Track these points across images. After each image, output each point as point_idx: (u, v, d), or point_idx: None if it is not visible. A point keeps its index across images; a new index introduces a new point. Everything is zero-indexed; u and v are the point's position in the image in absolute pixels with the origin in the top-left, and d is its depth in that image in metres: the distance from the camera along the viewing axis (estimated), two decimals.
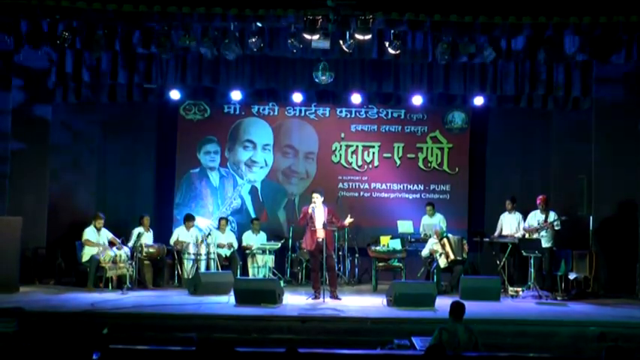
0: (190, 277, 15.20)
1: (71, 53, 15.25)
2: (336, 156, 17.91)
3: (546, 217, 15.10)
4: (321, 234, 13.81)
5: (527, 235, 15.24)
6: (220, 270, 15.59)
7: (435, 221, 16.24)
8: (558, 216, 15.14)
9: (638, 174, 15.15)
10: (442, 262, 15.14)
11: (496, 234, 16.03)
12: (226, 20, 13.58)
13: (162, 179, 17.95)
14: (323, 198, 14.16)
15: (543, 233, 15.07)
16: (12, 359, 7.20)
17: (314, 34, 13.10)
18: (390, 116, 17.89)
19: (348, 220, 14.19)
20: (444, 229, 15.79)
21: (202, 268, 15.58)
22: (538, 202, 15.36)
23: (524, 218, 15.74)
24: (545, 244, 15.03)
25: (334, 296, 13.82)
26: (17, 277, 14.33)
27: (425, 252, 15.62)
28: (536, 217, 15.30)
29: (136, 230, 15.49)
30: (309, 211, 13.94)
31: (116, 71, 15.48)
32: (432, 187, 17.81)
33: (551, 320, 12.28)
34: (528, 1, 12.63)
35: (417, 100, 16.77)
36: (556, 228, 15.12)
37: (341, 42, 13.70)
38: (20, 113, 15.53)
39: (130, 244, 15.18)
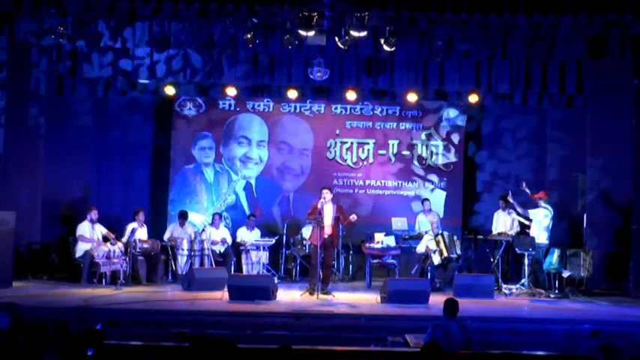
0: (184, 272, 15.21)
1: (66, 48, 15.24)
2: (330, 152, 17.90)
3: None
4: (328, 230, 13.84)
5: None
6: (214, 266, 15.57)
7: (430, 218, 16.24)
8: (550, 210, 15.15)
9: (632, 171, 15.16)
10: (436, 260, 15.14)
11: (494, 232, 16.04)
12: (222, 16, 13.57)
13: (157, 175, 17.94)
14: (332, 194, 14.18)
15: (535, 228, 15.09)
16: (4, 355, 7.18)
17: (309, 30, 13.08)
18: (385, 113, 17.89)
19: (353, 217, 14.23)
20: (439, 225, 15.80)
21: (196, 264, 15.58)
22: (539, 196, 15.33)
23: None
24: (540, 241, 15.04)
25: (325, 293, 13.80)
26: (10, 273, 14.29)
27: (420, 248, 15.63)
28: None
29: (130, 226, 15.47)
30: (319, 206, 13.94)
31: (111, 66, 15.48)
32: (426, 184, 17.81)
33: (544, 318, 12.30)
34: None
35: (412, 97, 16.79)
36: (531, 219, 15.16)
37: (336, 38, 13.69)
38: (15, 108, 15.49)
39: (124, 239, 15.18)
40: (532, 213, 15.21)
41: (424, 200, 16.84)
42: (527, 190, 15.38)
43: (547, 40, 14.12)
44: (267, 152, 17.91)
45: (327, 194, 14.03)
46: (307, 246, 15.59)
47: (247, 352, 8.24)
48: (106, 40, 14.37)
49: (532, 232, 15.14)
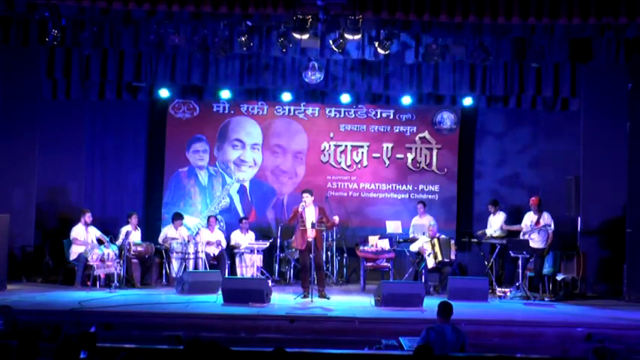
0: (178, 275, 15.19)
1: (60, 50, 15.26)
2: (325, 156, 17.90)
3: (539, 219, 15.05)
4: (311, 233, 13.81)
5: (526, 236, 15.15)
6: (208, 269, 15.57)
7: (424, 222, 16.23)
8: (552, 218, 15.07)
9: (626, 175, 15.18)
10: (430, 263, 15.14)
11: (487, 235, 16.07)
12: (216, 19, 13.56)
13: (151, 177, 17.90)
14: (313, 197, 14.16)
15: (535, 235, 15.02)
16: None
17: (304, 33, 13.08)
18: (379, 116, 17.88)
19: (336, 218, 14.20)
20: (437, 229, 15.79)
21: (190, 267, 15.56)
22: (531, 203, 15.30)
23: (510, 217, 15.88)
24: (537, 245, 15.00)
25: (322, 295, 13.82)
26: (4, 275, 14.29)
27: (414, 248, 15.62)
28: (529, 218, 15.24)
29: (124, 228, 15.45)
30: (299, 210, 13.94)
31: (105, 69, 15.50)
32: (420, 188, 17.81)
33: (538, 321, 12.30)
34: (518, 2, 12.62)
35: (406, 100, 16.84)
36: (549, 232, 15.05)
37: (331, 41, 13.69)
38: (9, 110, 15.48)
39: (118, 242, 15.15)
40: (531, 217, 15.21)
41: (419, 203, 16.82)
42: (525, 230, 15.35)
43: (541, 43, 14.15)
44: (261, 155, 17.90)
45: (307, 198, 14.02)
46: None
47: (241, 355, 8.25)
48: (101, 42, 14.34)
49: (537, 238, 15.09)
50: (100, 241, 15.21)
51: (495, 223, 16.05)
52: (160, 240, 16.15)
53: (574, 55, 14.68)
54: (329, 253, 16.31)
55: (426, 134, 17.85)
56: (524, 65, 15.42)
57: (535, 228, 14.99)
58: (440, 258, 15.07)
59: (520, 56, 14.62)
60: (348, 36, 13.18)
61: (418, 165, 17.85)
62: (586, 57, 14.58)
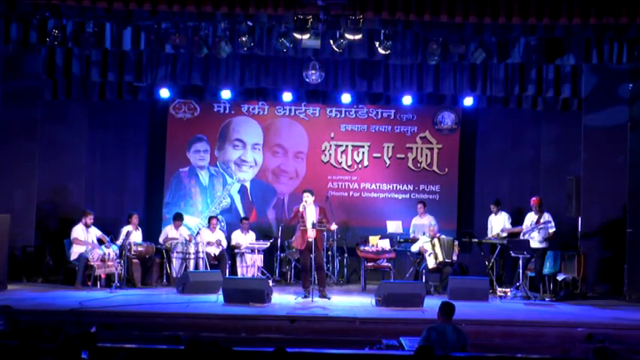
0: (179, 275, 15.19)
1: (61, 51, 15.26)
2: (325, 156, 17.89)
3: (539, 218, 15.03)
4: (311, 233, 13.80)
5: (525, 236, 15.13)
6: (209, 269, 15.57)
7: (425, 222, 16.23)
8: (552, 218, 15.05)
9: (627, 175, 15.17)
10: (430, 263, 15.13)
11: (488, 236, 16.08)
12: (217, 19, 13.57)
13: (152, 178, 17.90)
14: (314, 197, 14.15)
15: (535, 234, 15.00)
16: None
17: (304, 33, 13.09)
18: (379, 116, 17.87)
19: (334, 226, 14.21)
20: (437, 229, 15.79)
21: (191, 267, 15.56)
22: (532, 203, 15.27)
23: (511, 217, 15.89)
24: (537, 244, 14.97)
25: (323, 296, 13.81)
26: (5, 275, 14.28)
27: (414, 248, 15.63)
28: (530, 219, 15.22)
29: (125, 229, 15.44)
30: (300, 209, 13.93)
31: (106, 69, 15.50)
32: (421, 188, 17.79)
33: (539, 321, 12.29)
34: (518, 2, 12.62)
35: (407, 100, 16.85)
36: (550, 230, 15.03)
37: (331, 41, 13.69)
38: (9, 111, 15.47)
39: (119, 242, 15.15)
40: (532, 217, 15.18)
41: (419, 203, 16.81)
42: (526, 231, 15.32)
43: (542, 44, 14.15)
44: (261, 155, 17.89)
45: (307, 198, 14.01)
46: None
47: (242, 355, 8.24)
48: (101, 43, 14.33)
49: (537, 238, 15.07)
50: (100, 241, 15.21)
51: (497, 223, 16.06)
52: (161, 240, 16.15)
53: (575, 55, 14.65)
54: (329, 253, 16.29)
55: (426, 134, 17.84)
56: (525, 65, 15.41)
57: (536, 227, 14.96)
58: (440, 258, 15.08)
59: (520, 56, 14.61)
60: (348, 36, 13.19)
61: (419, 165, 17.83)
62: (587, 57, 14.56)
